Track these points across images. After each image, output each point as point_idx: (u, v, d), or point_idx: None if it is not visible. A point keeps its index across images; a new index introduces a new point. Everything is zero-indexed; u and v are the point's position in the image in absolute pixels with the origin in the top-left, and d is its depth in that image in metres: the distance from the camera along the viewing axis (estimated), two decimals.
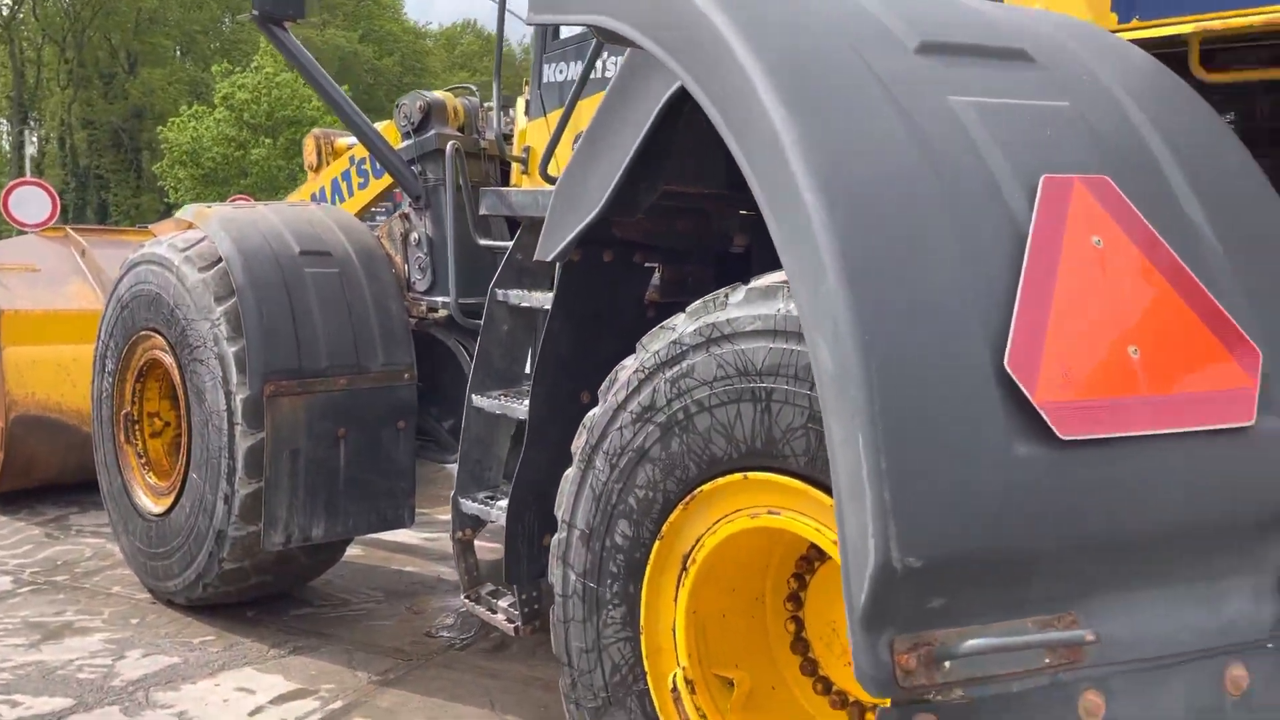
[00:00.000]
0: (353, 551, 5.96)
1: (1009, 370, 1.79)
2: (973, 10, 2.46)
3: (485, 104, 5.66)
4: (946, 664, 1.73)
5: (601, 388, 3.08)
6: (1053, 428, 1.78)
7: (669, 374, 2.83)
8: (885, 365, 1.73)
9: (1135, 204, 2.04)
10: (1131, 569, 1.86)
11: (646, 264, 3.90)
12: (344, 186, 6.26)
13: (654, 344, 2.91)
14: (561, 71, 4.94)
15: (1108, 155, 2.11)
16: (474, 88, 5.77)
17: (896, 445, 1.71)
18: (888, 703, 1.76)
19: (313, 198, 6.46)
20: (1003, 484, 1.75)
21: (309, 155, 6.93)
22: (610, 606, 3.08)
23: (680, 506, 2.86)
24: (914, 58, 2.16)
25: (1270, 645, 1.95)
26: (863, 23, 2.19)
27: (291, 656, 4.86)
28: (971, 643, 1.70)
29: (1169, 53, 2.70)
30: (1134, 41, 2.62)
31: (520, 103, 5.45)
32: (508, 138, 5.45)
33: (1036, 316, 1.84)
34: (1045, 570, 1.80)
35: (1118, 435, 1.83)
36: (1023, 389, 1.79)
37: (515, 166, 5.21)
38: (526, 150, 5.11)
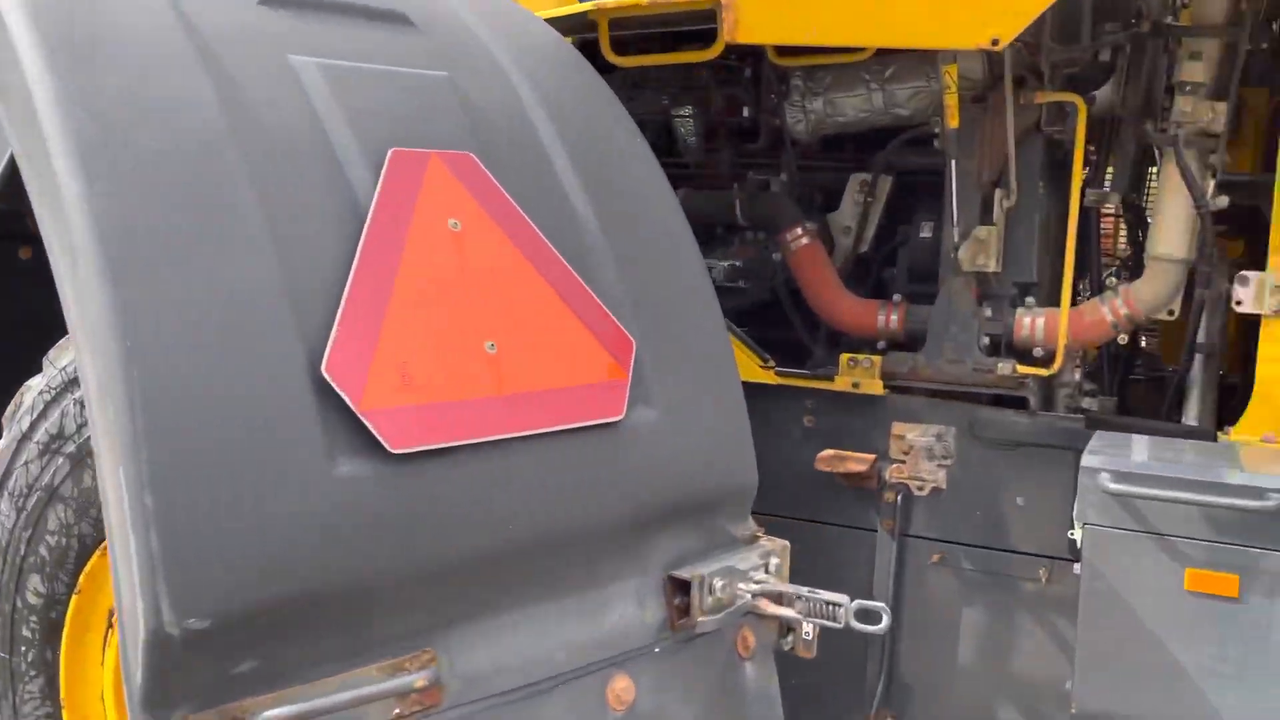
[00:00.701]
0: None
1: (327, 376, 1.51)
2: None
3: None
4: None
5: (6, 413, 2.49)
6: (382, 440, 1.53)
7: (79, 394, 2.30)
8: (156, 375, 1.38)
9: (507, 185, 1.86)
10: (496, 590, 1.67)
11: None
12: None
13: (62, 359, 2.36)
14: None
15: (483, 131, 1.92)
16: None
17: (169, 477, 1.36)
18: None
19: None
20: (322, 513, 1.47)
21: None
22: (27, 679, 2.51)
23: (99, 552, 2.35)
24: (257, 10, 1.83)
25: (657, 649, 1.86)
26: None
27: None
28: (274, 712, 1.39)
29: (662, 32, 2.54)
30: (556, 21, 2.50)
31: None
32: None
33: (368, 311, 1.58)
34: (388, 606, 1.55)
35: (467, 442, 1.62)
36: (344, 397, 1.51)
37: None
38: None
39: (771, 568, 1.97)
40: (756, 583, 1.89)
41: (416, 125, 1.84)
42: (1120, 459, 2.34)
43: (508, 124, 2.00)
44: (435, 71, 1.97)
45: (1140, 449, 2.52)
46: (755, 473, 2.05)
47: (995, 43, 2.09)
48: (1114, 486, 2.25)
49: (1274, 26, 3.23)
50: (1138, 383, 3.77)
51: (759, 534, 2.07)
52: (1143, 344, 3.84)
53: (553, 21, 2.44)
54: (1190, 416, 3.04)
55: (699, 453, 1.93)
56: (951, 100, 2.80)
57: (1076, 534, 2.43)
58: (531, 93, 2.08)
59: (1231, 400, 3.54)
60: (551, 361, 1.77)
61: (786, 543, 2.05)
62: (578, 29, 2.54)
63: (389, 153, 1.73)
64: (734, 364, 2.07)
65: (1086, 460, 2.36)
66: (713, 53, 2.58)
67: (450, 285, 1.70)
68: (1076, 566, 2.42)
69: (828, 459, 3.19)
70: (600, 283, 1.90)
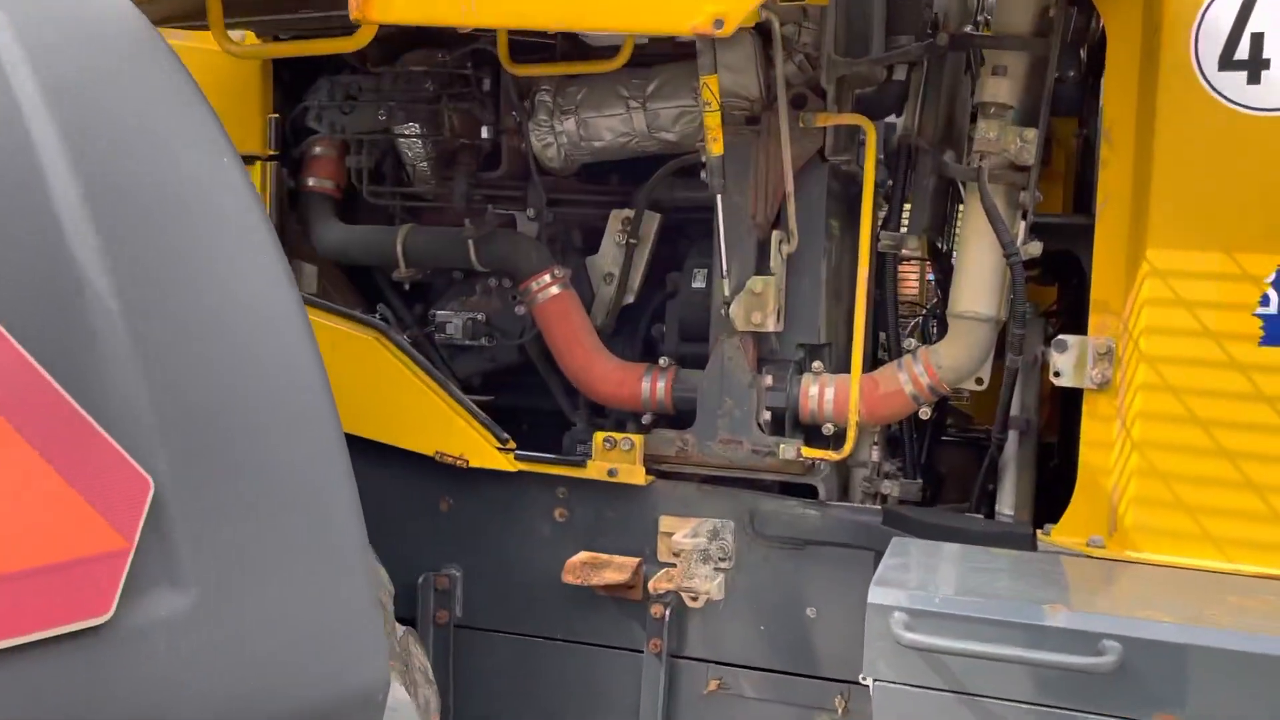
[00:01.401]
0: None
1: None
2: None
3: None
4: None
5: None
6: None
7: None
8: None
9: None
10: None
11: None
12: None
13: None
14: None
15: None
16: None
17: None
18: None
19: None
20: None
21: None
22: None
23: None
24: None
25: None
26: None
27: None
28: None
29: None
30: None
31: None
32: None
33: None
34: None
35: None
36: None
37: None
38: None
39: None
40: None
41: None
42: (918, 593, 1.77)
43: None
44: None
45: (946, 569, 1.97)
46: (384, 668, 1.36)
47: (719, 25, 1.50)
48: (909, 636, 1.67)
49: (1081, 52, 2.82)
50: (949, 445, 3.30)
51: None
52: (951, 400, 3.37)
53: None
54: (1006, 504, 2.55)
55: (274, 653, 1.23)
56: (713, 121, 2.22)
57: (869, 684, 1.85)
58: (38, 90, 1.34)
59: (1050, 462, 3.11)
60: None
61: None
62: (188, 11, 1.81)
63: None
64: (351, 498, 1.37)
65: (875, 595, 1.78)
66: (357, 43, 1.91)
67: None
68: None
69: (578, 567, 2.54)
70: (105, 387, 1.18)
